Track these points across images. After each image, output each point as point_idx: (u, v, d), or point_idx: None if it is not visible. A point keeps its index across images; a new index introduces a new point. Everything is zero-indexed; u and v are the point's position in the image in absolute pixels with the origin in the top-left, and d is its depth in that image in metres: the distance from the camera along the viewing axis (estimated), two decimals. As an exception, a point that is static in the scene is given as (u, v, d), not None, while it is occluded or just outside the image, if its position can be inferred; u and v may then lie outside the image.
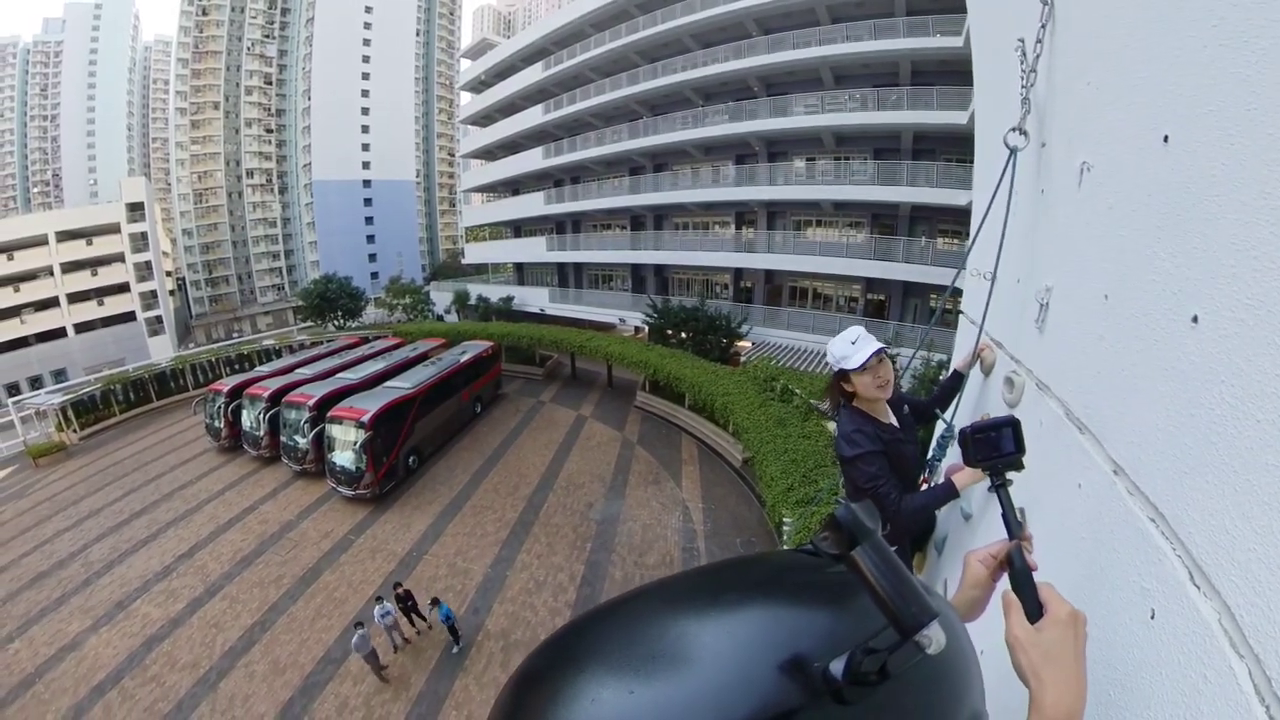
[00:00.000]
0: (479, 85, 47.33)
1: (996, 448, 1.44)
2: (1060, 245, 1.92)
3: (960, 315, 3.80)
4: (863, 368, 2.69)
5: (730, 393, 20.69)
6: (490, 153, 47.28)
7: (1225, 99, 1.00)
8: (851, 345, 2.72)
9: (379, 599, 14.96)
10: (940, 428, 3.09)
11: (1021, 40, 2.15)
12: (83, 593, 19.19)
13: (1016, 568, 1.15)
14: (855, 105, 26.55)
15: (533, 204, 41.76)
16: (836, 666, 0.59)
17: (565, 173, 40.86)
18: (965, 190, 22.34)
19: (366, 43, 73.46)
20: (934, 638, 0.59)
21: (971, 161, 18.84)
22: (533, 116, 40.68)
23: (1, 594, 19.80)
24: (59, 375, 47.32)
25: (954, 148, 24.62)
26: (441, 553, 18.56)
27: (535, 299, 40.80)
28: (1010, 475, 1.43)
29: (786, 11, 28.35)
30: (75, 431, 33.22)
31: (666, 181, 33.97)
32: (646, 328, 30.25)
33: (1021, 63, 2.14)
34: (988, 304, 2.52)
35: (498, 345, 31.57)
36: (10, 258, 47.99)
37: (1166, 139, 1.19)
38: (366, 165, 74.53)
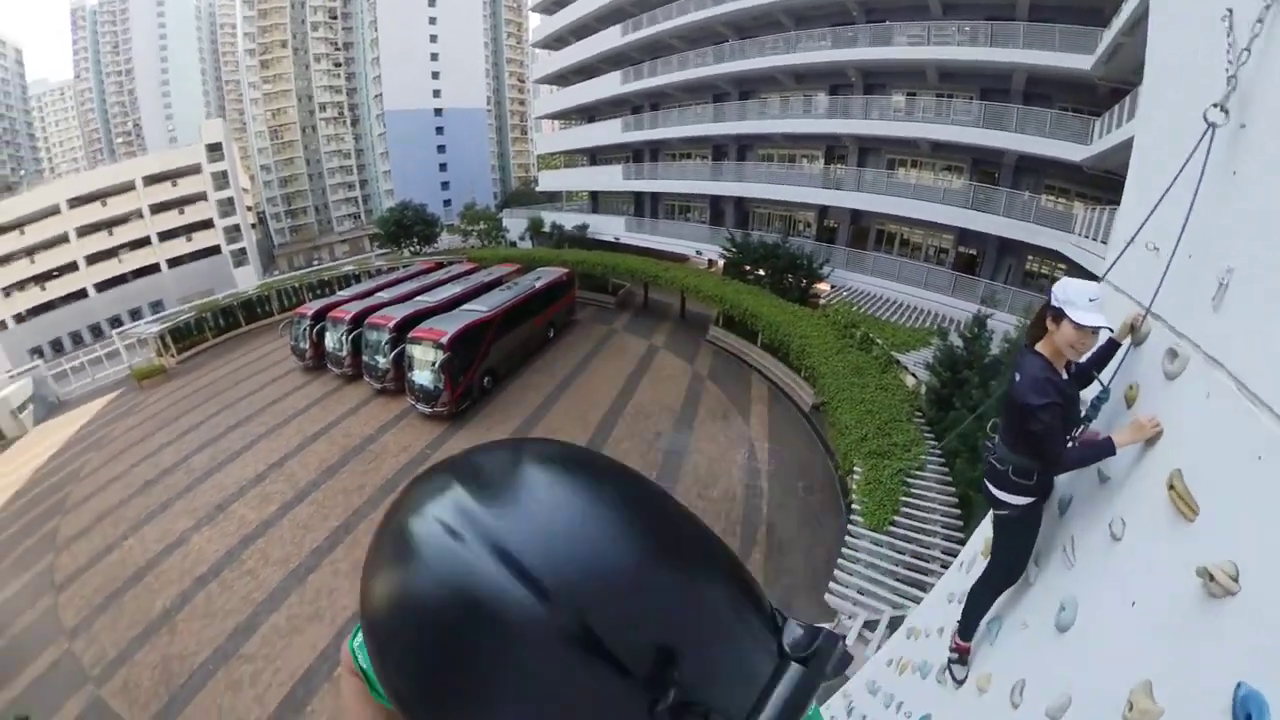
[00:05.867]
0: (550, 6, 45.30)
1: None
2: (1256, 231, 1.88)
3: (1105, 282, 3.36)
4: (1079, 325, 2.63)
5: (807, 335, 20.17)
6: (564, 77, 45.52)
7: None
8: (1089, 300, 2.62)
9: None
10: (1096, 389, 3.01)
11: (1230, 11, 2.02)
12: (186, 497, 20.88)
13: None
14: (964, 39, 23.75)
15: (609, 131, 39.95)
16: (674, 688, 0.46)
17: (644, 98, 38.84)
18: (1080, 144, 20.26)
19: (430, -34, 72.38)
20: None
21: (1091, 112, 17.52)
22: (609, 38, 38.53)
23: (116, 499, 21.77)
24: (156, 307, 50.53)
25: (1072, 95, 22.01)
26: None
27: (610, 227, 39.83)
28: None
29: (895, -68, 25.31)
30: (173, 355, 35.77)
31: (753, 110, 31.74)
32: (723, 261, 29.49)
33: (1228, 35, 2.02)
34: (1163, 279, 2.45)
35: (572, 272, 31.44)
36: (104, 204, 51.52)
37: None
38: (437, 94, 74.17)
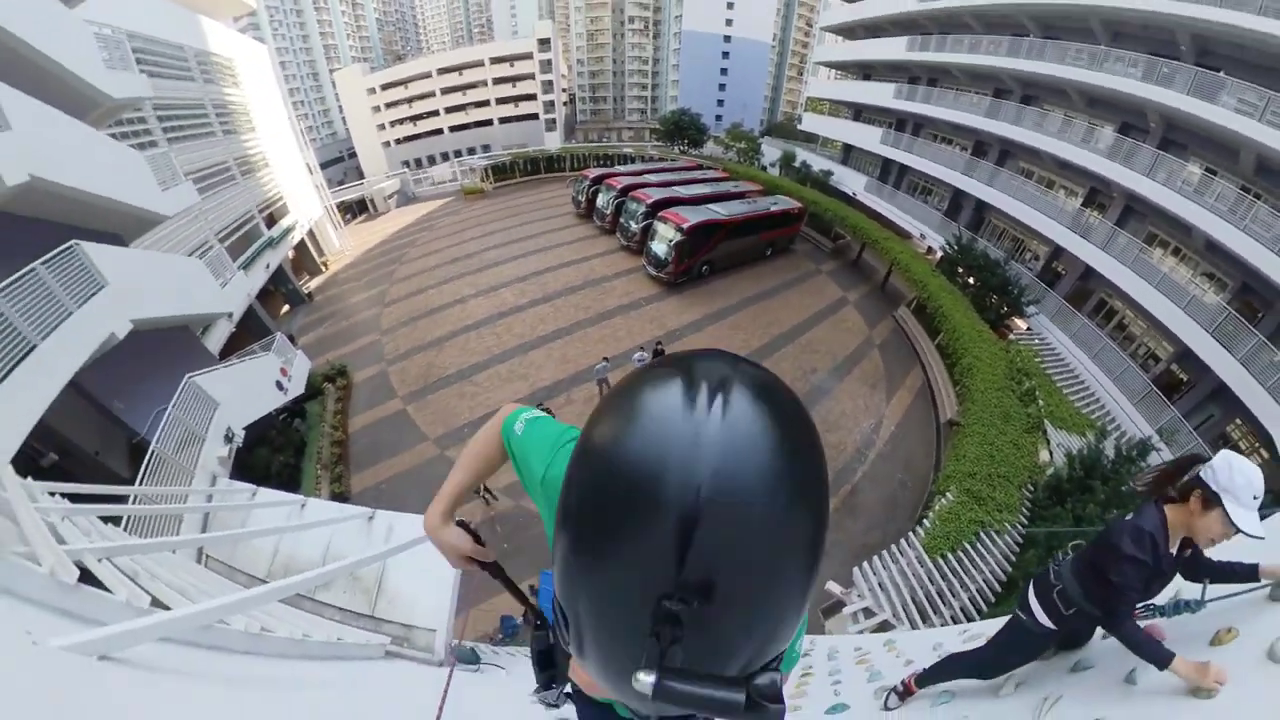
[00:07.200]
0: None
1: None
2: None
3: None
4: (1229, 524, 1.91)
5: (980, 358, 17.15)
6: (850, 30, 39.59)
7: None
8: (1253, 498, 1.90)
9: (640, 348, 17.02)
10: (1191, 594, 2.32)
11: None
12: (472, 275, 24.21)
13: None
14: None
15: (880, 93, 34.24)
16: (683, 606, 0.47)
17: (923, 71, 32.59)
18: None
19: (741, -95, 68.36)
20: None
21: None
22: (904, 1, 32.60)
23: (431, 264, 25.92)
24: (485, 148, 57.82)
25: None
26: (696, 341, 19.71)
27: (851, 182, 35.69)
28: None
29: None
30: (490, 183, 41.88)
31: (1029, 118, 24.82)
32: (940, 254, 25.67)
33: None
34: None
35: (804, 207, 29.76)
36: (460, 74, 60.00)
37: None
38: (729, 23, 70.86)
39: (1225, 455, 2.00)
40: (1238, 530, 1.87)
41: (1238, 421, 16.61)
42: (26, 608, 1.37)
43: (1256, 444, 15.79)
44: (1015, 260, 24.75)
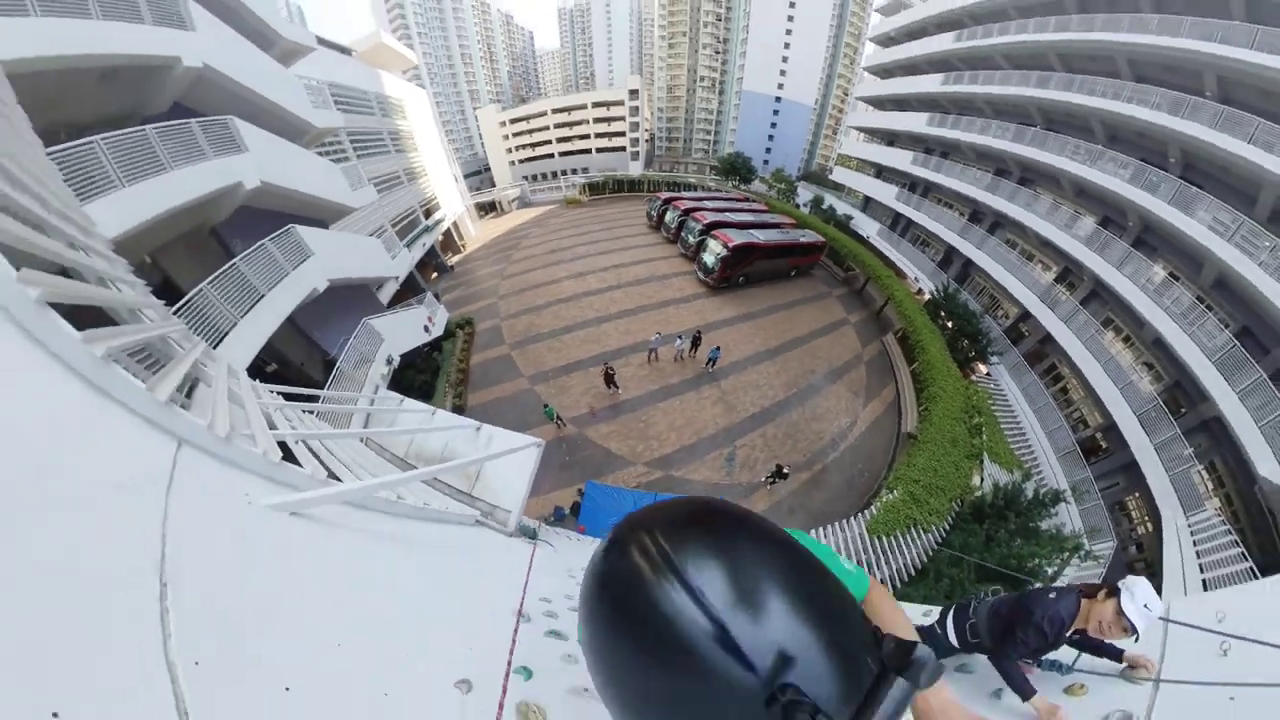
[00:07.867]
0: (886, 40, 36.17)
1: None
2: None
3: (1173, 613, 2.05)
4: (1119, 611, 1.84)
5: (944, 389, 15.90)
6: (880, 103, 37.80)
7: None
8: (1144, 606, 1.82)
9: (680, 335, 16.76)
10: (1066, 659, 2.25)
11: None
12: (567, 262, 24.25)
13: None
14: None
15: (899, 158, 32.00)
16: (790, 688, 0.40)
17: (938, 143, 30.20)
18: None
19: (796, -7, 64.72)
20: None
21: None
22: (929, 83, 30.00)
23: (537, 250, 26.09)
24: (584, 170, 58.45)
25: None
26: (727, 334, 19.31)
27: (866, 227, 33.81)
28: None
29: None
30: (586, 196, 41.53)
31: (1023, 197, 22.37)
32: (928, 297, 23.92)
33: None
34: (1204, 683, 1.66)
35: (826, 242, 28.40)
36: (569, 114, 60.92)
37: None
38: (780, 86, 67.18)
39: (1143, 578, 1.95)
40: (1119, 612, 1.84)
41: (1136, 495, 14.65)
42: (247, 476, 1.54)
43: (1145, 517, 14.20)
44: (989, 315, 23.01)
